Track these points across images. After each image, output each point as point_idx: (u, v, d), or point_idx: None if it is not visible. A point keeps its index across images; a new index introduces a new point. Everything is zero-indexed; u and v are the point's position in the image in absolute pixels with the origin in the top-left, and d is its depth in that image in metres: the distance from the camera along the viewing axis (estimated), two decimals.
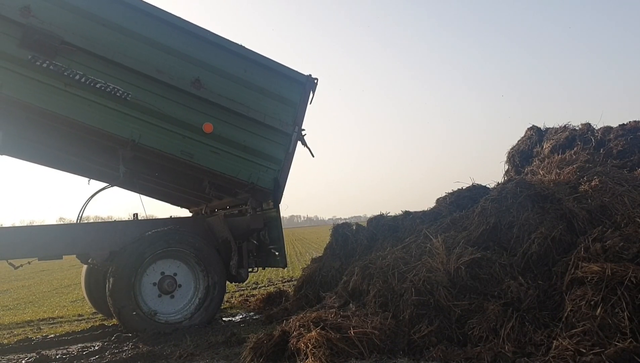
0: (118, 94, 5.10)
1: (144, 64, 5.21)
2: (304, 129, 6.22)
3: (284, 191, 6.22)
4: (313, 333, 3.66)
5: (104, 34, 5.04)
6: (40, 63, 4.76)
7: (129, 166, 5.64)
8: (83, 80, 4.94)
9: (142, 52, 5.22)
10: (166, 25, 5.36)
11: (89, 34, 4.97)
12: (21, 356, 4.86)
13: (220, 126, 5.66)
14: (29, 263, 5.59)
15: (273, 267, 6.74)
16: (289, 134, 6.09)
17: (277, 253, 6.21)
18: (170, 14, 5.39)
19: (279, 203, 6.19)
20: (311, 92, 6.22)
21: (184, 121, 5.48)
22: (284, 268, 6.52)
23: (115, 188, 6.55)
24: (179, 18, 5.43)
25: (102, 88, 5.03)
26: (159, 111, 5.34)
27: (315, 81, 6.22)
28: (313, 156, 6.34)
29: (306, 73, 6.22)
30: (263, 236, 6.30)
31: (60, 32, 4.81)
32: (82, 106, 4.98)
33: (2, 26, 4.64)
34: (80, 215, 6.24)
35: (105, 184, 6.39)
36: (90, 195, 6.28)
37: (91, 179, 6.84)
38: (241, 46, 5.76)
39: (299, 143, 6.22)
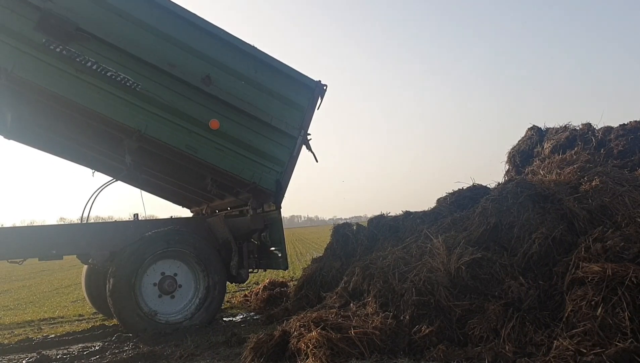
0: (128, 84, 5.15)
1: (156, 56, 5.26)
2: (309, 134, 6.25)
3: (285, 194, 6.23)
4: (314, 333, 3.66)
5: (119, 24, 5.09)
6: (54, 47, 4.82)
7: (133, 157, 5.66)
8: (94, 67, 4.99)
9: (155, 45, 5.26)
10: (181, 20, 5.40)
11: (104, 23, 5.02)
12: (22, 356, 4.86)
13: (226, 124, 5.69)
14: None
15: (274, 269, 6.74)
16: (295, 138, 6.11)
17: (279, 255, 6.21)
18: (186, 10, 5.43)
19: (280, 205, 6.20)
20: (319, 98, 6.24)
21: (191, 116, 5.51)
22: (285, 270, 6.51)
23: (117, 188, 6.58)
24: (194, 15, 5.47)
25: (113, 77, 5.08)
26: (167, 104, 5.37)
27: (325, 88, 6.24)
28: (317, 161, 6.37)
29: (314, 78, 6.23)
30: (264, 238, 6.30)
31: (76, 18, 4.88)
32: (91, 93, 5.03)
33: (20, 8, 4.71)
34: (87, 214, 6.23)
35: (109, 179, 6.42)
36: (94, 192, 6.29)
37: (96, 172, 6.89)
38: (253, 47, 5.79)
39: (304, 147, 6.24)
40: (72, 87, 4.95)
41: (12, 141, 6.19)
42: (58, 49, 4.84)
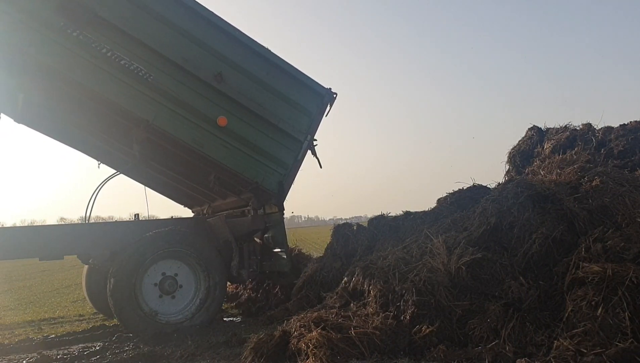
0: (140, 74, 5.22)
1: (171, 50, 5.33)
2: (315, 140, 6.30)
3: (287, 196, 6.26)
4: (314, 333, 3.66)
5: (137, 15, 5.18)
6: (71, 32, 4.92)
7: (140, 148, 5.71)
8: (109, 55, 5.08)
9: (170, 39, 5.33)
10: (198, 17, 5.45)
11: (122, 13, 5.11)
12: (22, 356, 4.86)
13: (234, 122, 5.74)
14: None
15: (277, 270, 6.74)
16: (301, 142, 6.16)
17: (284, 256, 6.22)
18: (205, 7, 5.48)
19: (282, 207, 6.21)
20: (329, 105, 6.29)
21: (199, 111, 5.56)
22: (287, 271, 6.52)
23: (118, 188, 6.60)
24: (212, 13, 5.52)
25: (126, 66, 5.16)
26: (177, 97, 5.43)
27: (335, 96, 6.29)
28: (321, 166, 6.40)
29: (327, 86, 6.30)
30: (267, 240, 6.31)
31: (95, 5, 4.98)
32: (103, 79, 5.11)
33: None
34: (90, 209, 6.23)
35: (113, 172, 6.44)
36: (98, 185, 6.29)
37: (101, 164, 6.93)
38: (267, 49, 5.85)
39: (309, 152, 6.27)
40: (85, 71, 5.04)
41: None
42: (75, 34, 4.93)
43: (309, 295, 6.07)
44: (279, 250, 6.29)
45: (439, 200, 6.41)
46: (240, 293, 7.66)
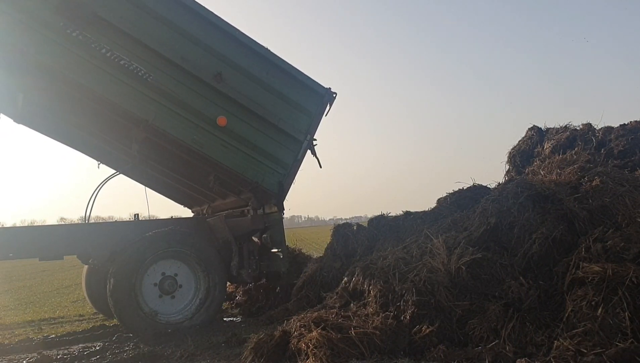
0: (140, 74, 5.22)
1: (170, 49, 5.33)
2: (315, 139, 6.30)
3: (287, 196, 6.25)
4: (314, 333, 3.66)
5: (136, 15, 5.19)
6: (71, 32, 4.93)
7: (140, 148, 5.73)
8: (108, 55, 5.09)
9: (170, 38, 5.34)
10: (198, 17, 5.46)
11: (122, 13, 5.12)
12: (22, 356, 4.86)
13: (234, 122, 5.74)
14: None
15: (275, 270, 6.76)
16: (301, 142, 6.16)
17: (281, 256, 6.23)
18: (204, 7, 5.49)
19: (282, 207, 6.21)
20: (328, 105, 6.30)
21: (199, 111, 5.57)
22: (285, 271, 6.52)
23: (118, 188, 6.59)
24: (212, 13, 5.53)
25: (126, 66, 5.16)
26: (177, 97, 5.44)
27: (334, 95, 6.30)
28: (321, 166, 6.40)
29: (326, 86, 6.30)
30: (265, 240, 6.31)
31: (95, 6, 5.01)
32: (102, 79, 5.12)
33: None
34: (90, 209, 6.22)
35: (113, 172, 6.45)
36: (98, 185, 6.29)
37: (101, 164, 6.96)
38: (267, 49, 5.85)
39: (309, 151, 6.28)
40: (85, 71, 5.05)
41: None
42: (74, 34, 4.94)
43: (309, 295, 6.07)
44: (276, 250, 6.29)
45: (439, 200, 6.41)
46: (239, 293, 7.66)
